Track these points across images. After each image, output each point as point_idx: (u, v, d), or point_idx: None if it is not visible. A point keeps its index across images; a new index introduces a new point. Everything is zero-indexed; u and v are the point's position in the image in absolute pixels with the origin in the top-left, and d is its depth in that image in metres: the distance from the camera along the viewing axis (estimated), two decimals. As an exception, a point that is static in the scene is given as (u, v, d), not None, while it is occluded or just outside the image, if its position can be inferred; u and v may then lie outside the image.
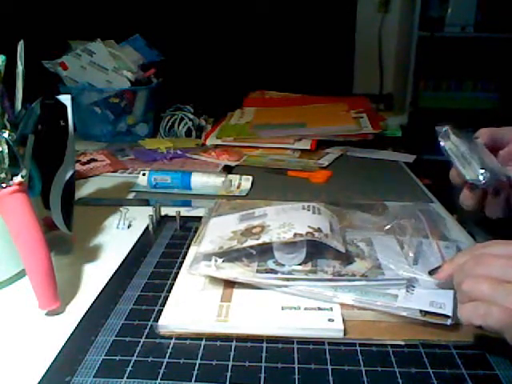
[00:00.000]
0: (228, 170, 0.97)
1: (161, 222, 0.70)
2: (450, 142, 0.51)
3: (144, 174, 0.87)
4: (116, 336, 0.45)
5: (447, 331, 0.43)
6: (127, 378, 0.39)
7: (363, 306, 0.46)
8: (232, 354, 0.42)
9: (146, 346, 0.43)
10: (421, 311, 0.44)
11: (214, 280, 0.50)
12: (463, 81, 2.16)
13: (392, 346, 0.43)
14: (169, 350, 0.43)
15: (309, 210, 0.57)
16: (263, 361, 0.41)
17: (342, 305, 0.46)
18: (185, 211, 0.73)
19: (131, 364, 0.41)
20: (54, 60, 1.20)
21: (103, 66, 1.19)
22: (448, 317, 0.43)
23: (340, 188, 0.88)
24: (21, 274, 0.55)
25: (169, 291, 0.51)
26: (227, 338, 0.44)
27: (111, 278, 0.55)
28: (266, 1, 1.68)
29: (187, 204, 0.79)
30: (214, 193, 0.84)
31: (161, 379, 0.39)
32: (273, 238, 0.50)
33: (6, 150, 0.49)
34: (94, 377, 0.39)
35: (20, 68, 0.54)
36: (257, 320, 0.45)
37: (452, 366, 0.40)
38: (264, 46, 1.66)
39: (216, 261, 0.51)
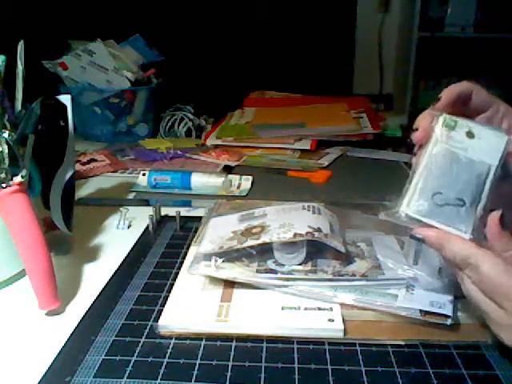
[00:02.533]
0: (228, 170, 0.97)
1: (161, 222, 0.70)
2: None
3: (144, 174, 0.87)
4: (116, 336, 0.45)
5: (447, 331, 0.43)
6: (127, 378, 0.39)
7: (363, 306, 0.46)
8: (232, 353, 0.42)
9: (146, 346, 0.43)
10: (421, 311, 0.44)
11: (214, 280, 0.50)
12: (463, 81, 2.16)
13: (392, 345, 0.43)
14: (169, 350, 0.43)
15: (309, 210, 0.57)
16: (263, 361, 0.41)
17: (342, 305, 0.46)
18: (185, 211, 0.73)
19: (131, 364, 0.41)
20: (54, 60, 1.20)
21: (103, 66, 1.19)
22: (448, 317, 0.43)
23: (340, 188, 0.88)
24: (21, 274, 0.55)
25: (169, 291, 0.51)
26: (227, 337, 0.44)
27: (111, 277, 0.55)
28: (266, 0, 1.68)
29: (187, 204, 0.79)
30: (213, 193, 0.84)
31: (161, 379, 0.39)
32: (273, 238, 0.50)
33: (6, 150, 0.49)
34: (93, 377, 0.39)
35: (20, 68, 0.54)
36: (257, 320, 0.45)
37: (452, 366, 0.40)
38: (264, 46, 1.65)
39: (216, 261, 0.51)
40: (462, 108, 0.43)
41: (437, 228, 0.39)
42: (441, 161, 0.39)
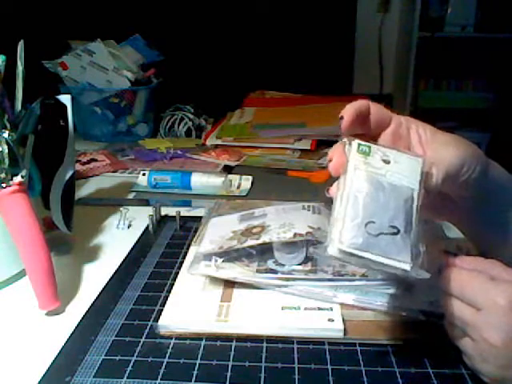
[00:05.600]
0: (228, 170, 0.97)
1: (161, 221, 0.70)
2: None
3: (144, 174, 0.87)
4: (116, 336, 0.45)
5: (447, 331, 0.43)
6: (127, 378, 0.39)
7: (363, 306, 0.46)
8: (232, 353, 0.42)
9: (146, 346, 0.43)
10: (421, 311, 0.44)
11: (214, 280, 0.50)
12: (463, 81, 2.16)
13: (392, 345, 0.43)
14: (169, 350, 0.43)
15: (309, 210, 0.57)
16: (263, 361, 0.41)
17: (342, 305, 0.46)
18: (185, 211, 0.73)
19: (131, 364, 0.41)
20: (54, 60, 1.20)
21: (103, 66, 1.19)
22: (448, 317, 0.43)
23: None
24: (21, 274, 0.55)
25: (169, 291, 0.51)
26: (227, 337, 0.44)
27: (111, 278, 0.55)
28: (266, 1, 1.68)
29: (187, 204, 0.79)
30: (213, 193, 0.84)
31: (161, 379, 0.39)
32: (273, 237, 0.50)
33: (6, 150, 0.49)
34: (93, 377, 0.39)
35: (20, 68, 0.54)
36: (257, 320, 0.45)
37: (452, 366, 0.40)
38: (264, 46, 1.66)
39: (216, 261, 0.51)
40: (363, 127, 0.42)
41: (373, 261, 0.35)
42: (365, 188, 0.36)
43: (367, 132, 0.42)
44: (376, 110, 0.42)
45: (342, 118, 0.40)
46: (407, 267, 0.34)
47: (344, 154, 0.39)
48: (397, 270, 0.35)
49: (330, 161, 0.40)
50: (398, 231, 0.35)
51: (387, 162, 0.38)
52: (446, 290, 0.38)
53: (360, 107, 0.41)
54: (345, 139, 0.40)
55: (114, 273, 0.56)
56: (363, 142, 0.39)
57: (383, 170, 0.37)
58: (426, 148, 0.42)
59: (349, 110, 0.40)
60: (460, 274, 0.38)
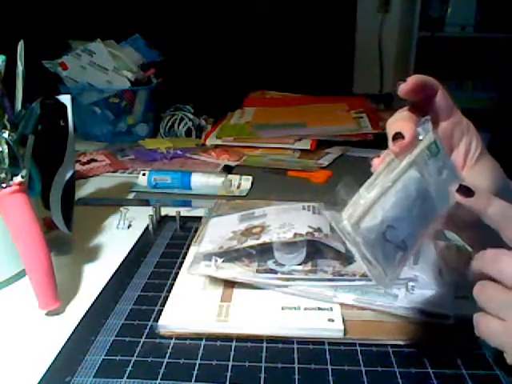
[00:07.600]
0: (228, 170, 0.97)
1: (161, 221, 0.70)
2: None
3: (144, 174, 0.87)
4: (116, 336, 0.45)
5: (447, 331, 0.43)
6: (127, 378, 0.39)
7: (363, 306, 0.46)
8: (232, 354, 0.42)
9: (146, 346, 0.43)
10: (421, 311, 0.44)
11: (214, 280, 0.50)
12: (463, 81, 2.16)
13: (392, 345, 0.43)
14: (169, 350, 0.43)
15: (309, 210, 0.57)
16: (263, 361, 0.41)
17: (342, 305, 0.46)
18: (185, 211, 0.73)
19: (131, 364, 0.41)
20: (54, 60, 1.20)
21: (103, 66, 1.19)
22: (448, 317, 0.43)
23: (340, 188, 0.88)
24: (21, 274, 0.55)
25: (169, 291, 0.51)
26: (227, 337, 0.44)
27: (111, 277, 0.55)
28: (266, 1, 1.68)
29: (187, 204, 0.79)
30: (214, 193, 0.84)
31: (161, 379, 0.39)
32: (273, 237, 0.50)
33: (6, 150, 0.49)
34: (93, 377, 0.39)
35: (20, 68, 0.54)
36: (257, 320, 0.45)
37: (452, 366, 0.40)
38: (264, 45, 1.66)
39: (216, 261, 0.51)
40: (425, 105, 0.39)
41: (367, 259, 0.33)
42: (410, 190, 0.34)
43: (428, 115, 0.39)
44: (442, 97, 0.39)
45: (402, 81, 0.37)
46: (386, 279, 0.33)
47: (415, 139, 0.35)
48: (375, 274, 0.34)
49: (398, 135, 0.35)
50: (404, 249, 0.34)
51: (440, 173, 0.35)
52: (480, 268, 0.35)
53: (431, 82, 0.38)
54: (428, 123, 0.36)
55: (114, 273, 0.56)
56: (439, 141, 0.36)
57: (432, 180, 0.35)
58: (468, 164, 0.40)
59: (415, 77, 0.37)
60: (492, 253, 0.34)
